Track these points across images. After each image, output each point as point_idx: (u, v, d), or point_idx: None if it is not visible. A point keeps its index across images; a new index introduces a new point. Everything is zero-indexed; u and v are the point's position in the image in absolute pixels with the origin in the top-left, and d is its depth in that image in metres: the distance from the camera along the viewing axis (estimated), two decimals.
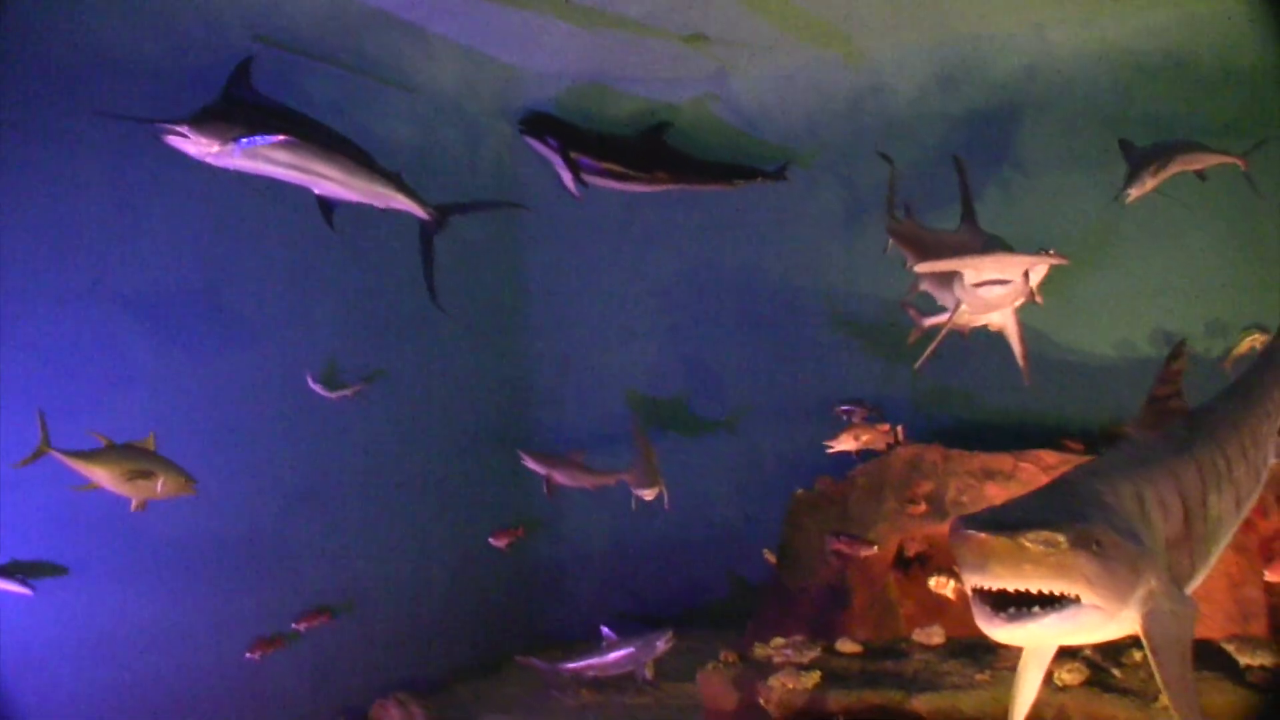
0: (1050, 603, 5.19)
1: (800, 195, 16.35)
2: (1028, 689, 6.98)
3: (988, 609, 5.27)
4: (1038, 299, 10.87)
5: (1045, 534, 5.04)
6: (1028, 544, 5.03)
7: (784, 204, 16.46)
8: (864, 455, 14.12)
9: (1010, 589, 5.18)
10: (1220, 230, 14.28)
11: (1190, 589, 6.28)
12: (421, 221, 11.93)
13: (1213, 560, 6.77)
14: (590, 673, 14.00)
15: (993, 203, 14.60)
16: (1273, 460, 8.00)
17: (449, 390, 15.88)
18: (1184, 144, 12.21)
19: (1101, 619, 5.36)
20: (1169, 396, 6.68)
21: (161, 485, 9.77)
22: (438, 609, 15.56)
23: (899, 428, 14.14)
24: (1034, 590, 5.17)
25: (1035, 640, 5.85)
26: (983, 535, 5.08)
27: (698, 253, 17.30)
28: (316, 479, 13.85)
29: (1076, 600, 5.18)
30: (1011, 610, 5.21)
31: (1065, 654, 9.53)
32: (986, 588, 5.22)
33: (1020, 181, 15.35)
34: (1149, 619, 5.66)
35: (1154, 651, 5.70)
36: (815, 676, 10.01)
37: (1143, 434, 6.57)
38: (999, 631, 5.29)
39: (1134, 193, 11.92)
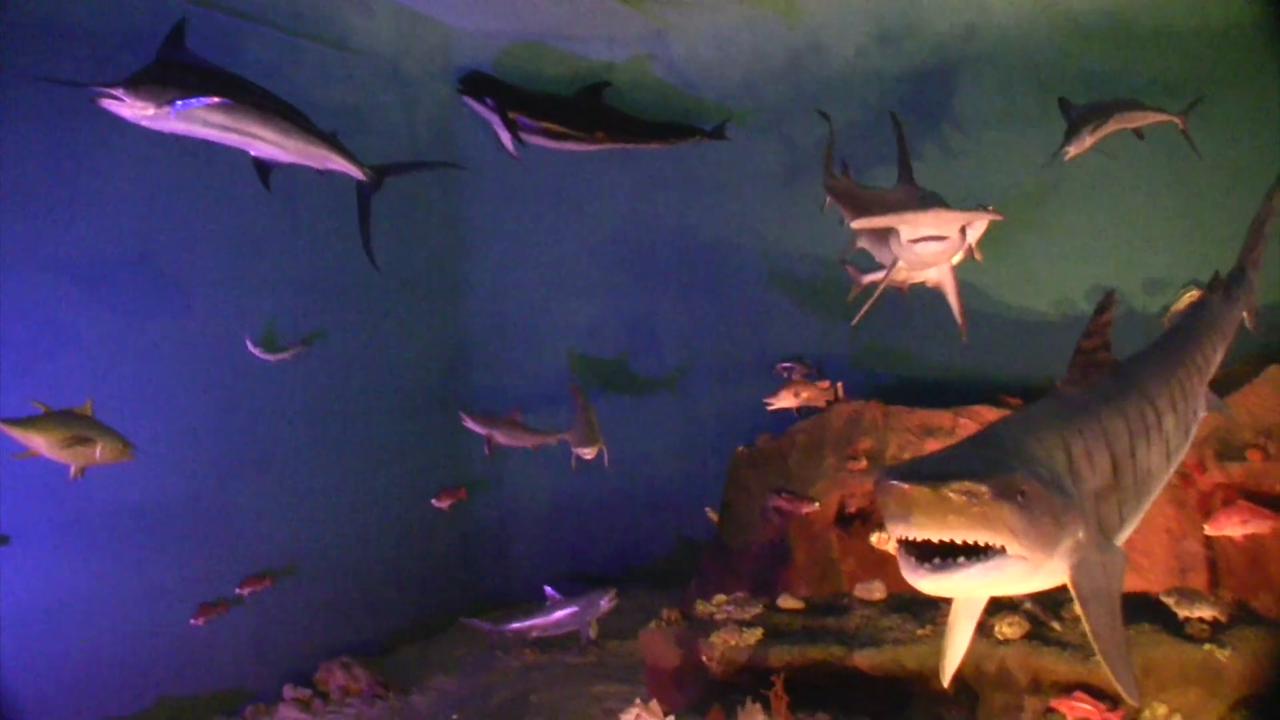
0: (975, 553, 5.16)
1: (739, 154, 16.32)
2: (959, 641, 6.96)
3: (912, 560, 5.24)
4: (977, 256, 10.92)
5: (968, 484, 5.01)
6: (950, 494, 5.00)
7: (722, 163, 16.43)
8: (804, 412, 14.16)
9: (935, 539, 5.17)
10: (1158, 188, 14.35)
11: (1120, 540, 6.30)
12: (358, 182, 11.87)
13: (1142, 512, 6.76)
14: (534, 633, 14.04)
15: (931, 161, 14.64)
16: (1203, 413, 8.04)
17: (388, 351, 15.83)
18: (1122, 102, 12.25)
19: (1028, 569, 5.34)
20: (1097, 349, 6.61)
21: (100, 451, 9.70)
22: (381, 571, 15.53)
23: (839, 385, 14.18)
24: (958, 541, 5.15)
25: (961, 590, 5.79)
26: (905, 486, 5.06)
27: (636, 212, 17.28)
28: (257, 443, 13.79)
29: (1001, 551, 5.15)
30: (936, 561, 5.19)
31: (1005, 608, 9.66)
32: (911, 538, 5.20)
33: (959, 140, 15.37)
34: (1077, 570, 5.67)
35: (1082, 602, 5.72)
36: (757, 633, 10.08)
37: (1070, 386, 6.52)
38: (924, 582, 5.26)
39: (1072, 150, 11.95)
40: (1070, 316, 14.35)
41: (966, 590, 5.80)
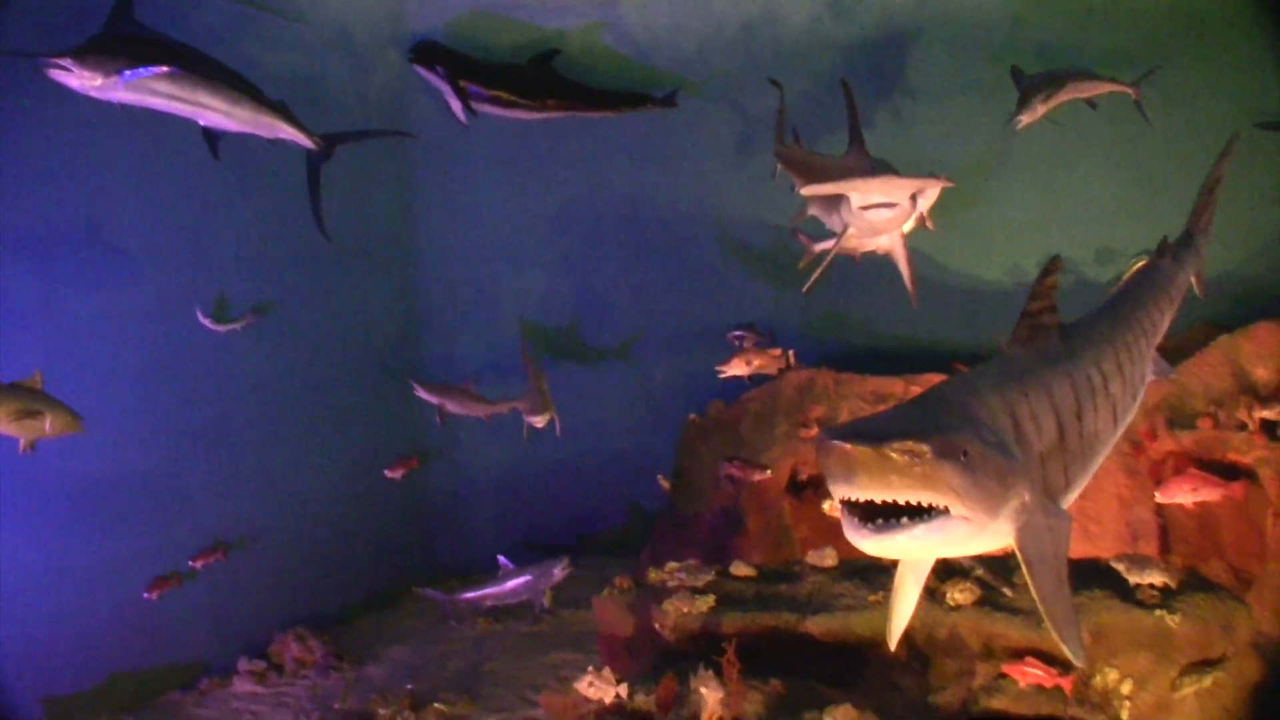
0: (918, 514, 5.12)
1: (691, 122, 16.31)
2: (905, 604, 6.94)
3: (855, 520, 5.19)
4: (929, 225, 10.91)
5: (910, 444, 4.96)
6: (892, 454, 4.95)
7: (675, 131, 16.41)
8: (756, 380, 14.19)
9: (878, 500, 5.11)
10: (1110, 158, 14.42)
11: (1066, 503, 6.29)
12: (308, 151, 11.82)
13: (1089, 475, 6.78)
14: (488, 602, 14.08)
15: (884, 129, 14.68)
16: (1151, 378, 8.05)
17: (340, 322, 15.80)
18: (1075, 72, 12.28)
19: (972, 531, 5.30)
20: (1042, 312, 6.54)
21: (49, 424, 9.60)
22: (335, 542, 15.52)
23: (790, 352, 14.18)
24: (901, 501, 5.09)
25: (904, 551, 5.66)
26: (847, 446, 4.98)
27: (588, 180, 17.25)
28: (208, 414, 13.76)
29: (945, 512, 5.11)
30: (879, 521, 5.14)
31: (957, 574, 9.69)
32: (854, 499, 5.14)
33: (911, 108, 15.41)
34: (1022, 532, 5.66)
35: (1028, 565, 5.71)
36: (709, 600, 10.08)
37: (1016, 349, 6.48)
38: (866, 543, 5.21)
39: (1024, 120, 11.97)
40: (1022, 285, 14.21)
41: (910, 551, 5.75)
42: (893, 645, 7.09)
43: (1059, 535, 5.88)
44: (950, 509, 5.09)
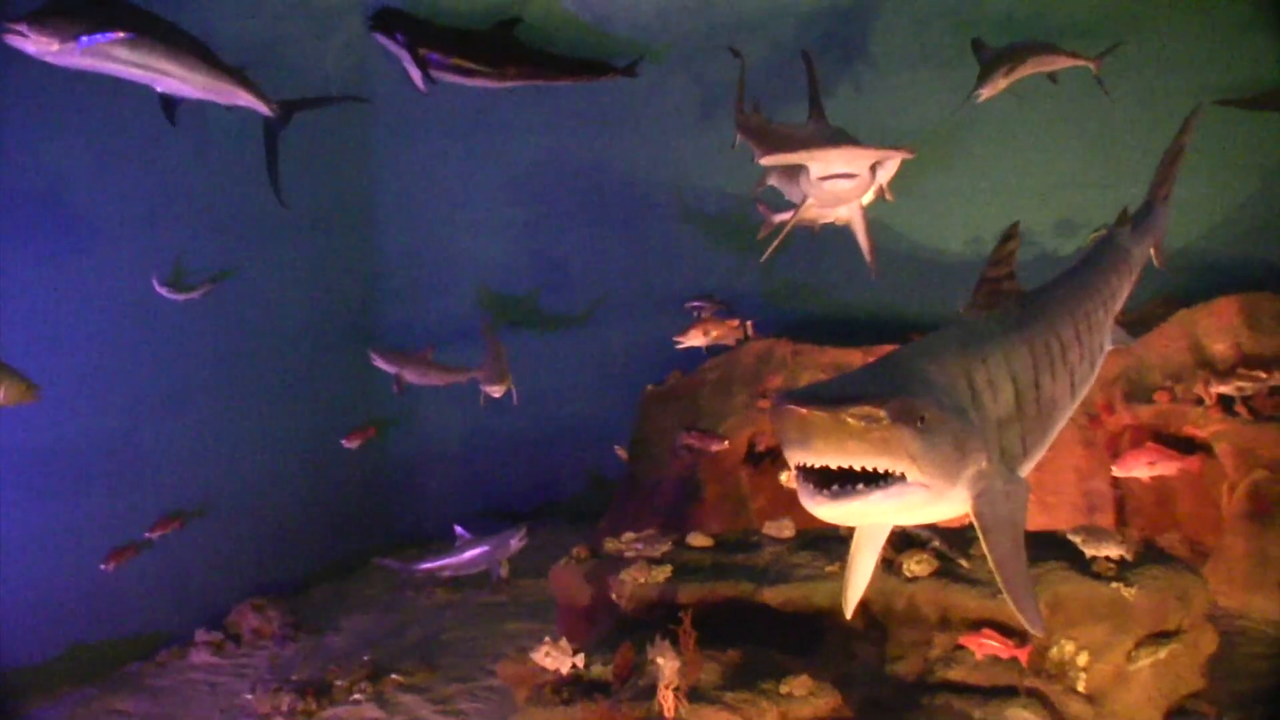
0: (875, 480, 5.06)
1: (651, 90, 16.22)
2: (861, 573, 6.90)
3: (811, 486, 5.12)
4: (889, 196, 10.90)
5: (866, 409, 4.90)
6: (849, 419, 4.89)
7: (635, 99, 16.34)
8: (714, 350, 14.21)
9: (834, 466, 5.05)
10: (1071, 131, 14.44)
11: (1024, 471, 6.24)
12: (265, 118, 11.73)
13: (1047, 443, 6.71)
14: (446, 572, 14.04)
15: (844, 99, 14.68)
16: (1109, 347, 8.03)
17: (299, 289, 15.74)
18: (1036, 45, 12.25)
19: (929, 497, 5.24)
20: (1002, 278, 6.46)
21: (4, 393, 9.51)
22: (293, 511, 15.52)
23: (748, 322, 14.18)
24: (858, 467, 5.04)
25: (860, 518, 5.69)
26: (803, 410, 4.93)
27: (549, 148, 17.19)
28: (166, 383, 13.68)
29: (902, 478, 5.04)
30: (835, 487, 5.07)
31: (914, 545, 9.70)
32: (810, 465, 5.08)
33: (873, 79, 15.40)
34: (979, 499, 5.60)
35: (984, 532, 5.66)
36: (666, 570, 10.09)
37: (974, 315, 6.43)
38: (823, 509, 5.11)
39: (985, 92, 11.94)
40: (981, 256, 14.26)
41: (866, 517, 5.72)
42: (849, 614, 7.04)
43: (1016, 503, 5.82)
44: (907, 475, 5.04)
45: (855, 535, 6.71)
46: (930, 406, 5.15)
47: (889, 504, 5.10)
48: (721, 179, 15.81)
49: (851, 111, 13.34)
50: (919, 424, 5.03)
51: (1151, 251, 9.13)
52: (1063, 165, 14.54)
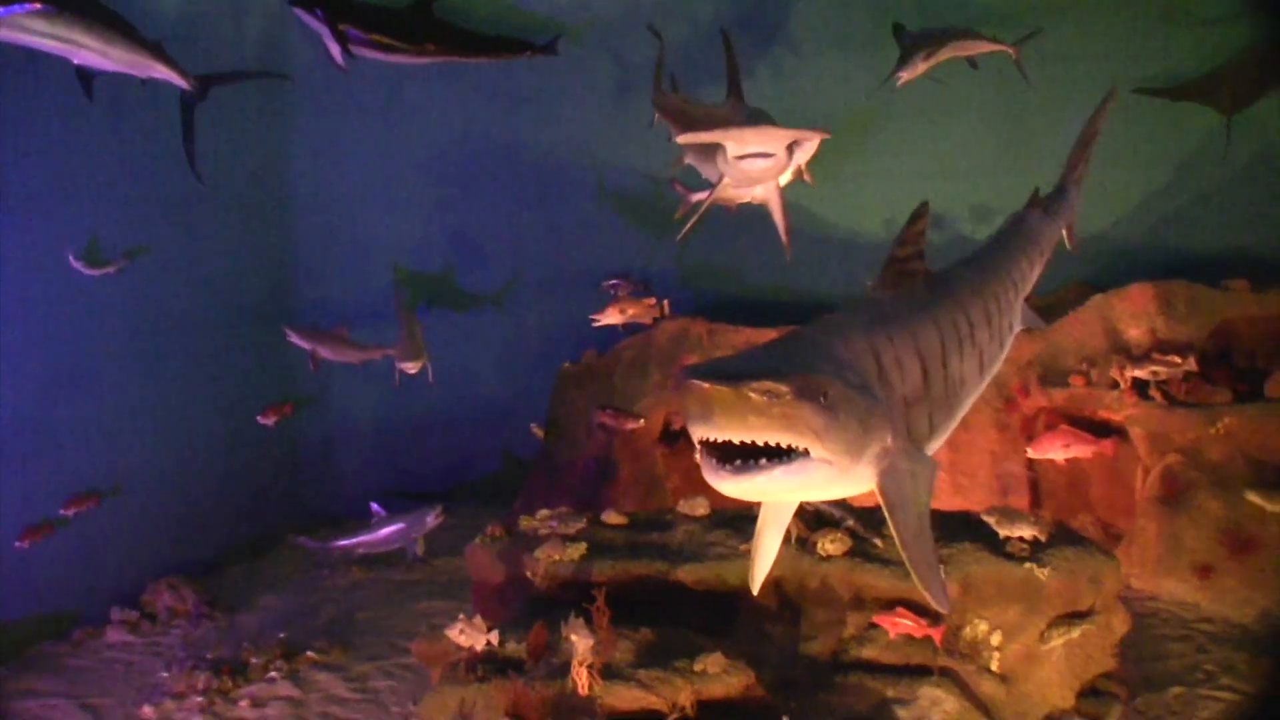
0: (778, 455, 4.98)
1: (570, 69, 16.05)
2: (767, 551, 6.80)
3: (714, 461, 5.05)
4: (807, 178, 10.93)
5: (768, 384, 4.85)
6: (751, 394, 4.84)
7: (553, 78, 16.22)
8: (630, 329, 14.18)
9: (736, 441, 4.99)
10: (990, 115, 14.52)
11: (931, 449, 6.28)
12: (182, 92, 11.61)
13: (955, 422, 6.74)
14: (360, 550, 13.99)
15: (764, 81, 14.67)
16: (1018, 327, 8.05)
17: (214, 266, 15.56)
18: (956, 30, 12.29)
19: (832, 474, 5.20)
20: (910, 258, 6.42)
21: None
22: (208, 490, 15.38)
23: (665, 302, 14.19)
24: (760, 442, 4.99)
25: (763, 494, 5.56)
26: (705, 385, 4.87)
27: (466, 126, 17.10)
28: (79, 360, 13.52)
29: (805, 454, 4.99)
30: (738, 462, 5.00)
31: (828, 525, 9.74)
32: (713, 440, 5.02)
33: (793, 61, 15.38)
34: (885, 476, 5.58)
35: (890, 509, 5.62)
36: (580, 548, 10.09)
37: (882, 293, 6.39)
38: (725, 484, 5.06)
39: (904, 76, 11.99)
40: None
41: (769, 494, 5.68)
42: (755, 590, 6.94)
43: (922, 480, 5.83)
44: (810, 451, 5.00)
45: (761, 512, 6.65)
46: (834, 383, 5.12)
47: (792, 480, 5.07)
48: (639, 158, 15.78)
49: (772, 92, 13.42)
50: (822, 400, 4.99)
51: (1064, 234, 9.18)
52: (981, 150, 14.63)
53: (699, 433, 5.04)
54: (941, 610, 6.00)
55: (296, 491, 17.26)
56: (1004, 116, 14.48)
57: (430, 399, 15.38)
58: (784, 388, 4.85)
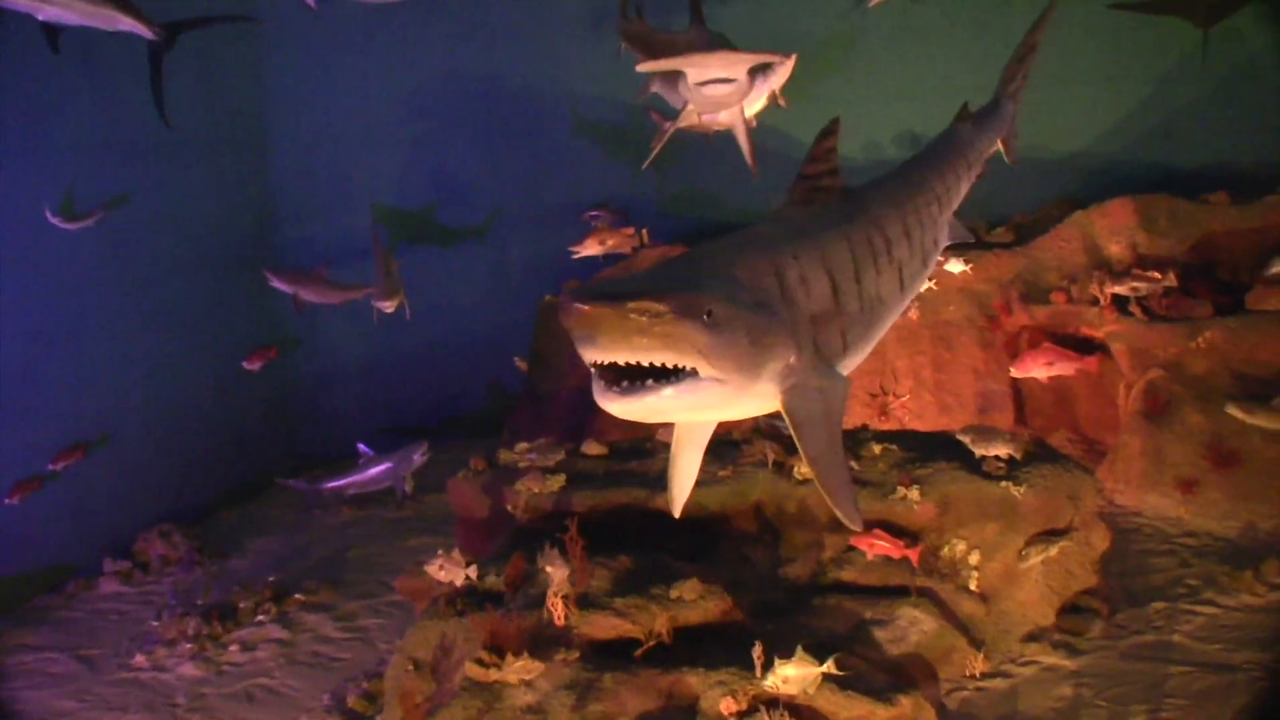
0: (666, 375, 4.96)
1: (544, 1, 16.08)
2: (684, 473, 6.65)
3: (604, 384, 5.04)
4: (782, 102, 10.86)
5: (646, 303, 4.79)
6: (631, 314, 4.78)
7: (528, 11, 16.16)
8: (610, 259, 14.17)
9: (622, 362, 4.98)
10: (967, 35, 14.41)
11: (847, 366, 6.19)
12: (149, 41, 11.53)
13: (873, 340, 6.60)
14: (350, 490, 14.03)
15: (738, 6, 14.56)
16: (945, 243, 7.92)
17: (194, 211, 15.55)
18: None
19: (728, 393, 5.16)
20: (821, 174, 6.30)
21: None
22: (198, 436, 15.44)
23: (644, 231, 14.17)
24: (645, 363, 4.95)
25: (657, 414, 5.33)
26: (586, 307, 4.82)
27: (441, 62, 16.96)
28: (62, 312, 13.56)
29: (693, 373, 4.96)
30: (625, 384, 4.98)
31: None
32: (602, 362, 5.01)
33: None
34: (790, 395, 5.53)
35: (795, 427, 5.55)
36: (560, 480, 10.16)
37: (792, 210, 6.30)
38: (614, 405, 5.03)
39: None
40: (877, 160, 14.36)
41: (662, 414, 5.43)
42: (676, 513, 6.73)
43: (832, 398, 5.77)
44: (699, 370, 4.97)
45: (675, 435, 6.52)
46: (719, 300, 5.05)
47: (684, 400, 5.03)
48: (616, 88, 15.63)
49: (745, 17, 13.31)
50: (706, 318, 4.92)
51: (1001, 148, 9.07)
52: (958, 69, 14.48)
53: (587, 356, 5.01)
54: (854, 528, 5.90)
55: (286, 435, 17.30)
56: (982, 35, 14.36)
57: (416, 336, 15.35)
58: (662, 306, 4.81)
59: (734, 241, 5.93)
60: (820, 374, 5.70)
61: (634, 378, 4.97)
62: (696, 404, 5.13)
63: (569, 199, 15.69)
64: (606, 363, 4.97)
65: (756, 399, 5.42)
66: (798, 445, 5.57)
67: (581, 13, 16.05)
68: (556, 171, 16.59)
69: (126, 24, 10.78)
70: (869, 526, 8.93)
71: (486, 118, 16.88)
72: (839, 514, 5.64)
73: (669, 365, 4.92)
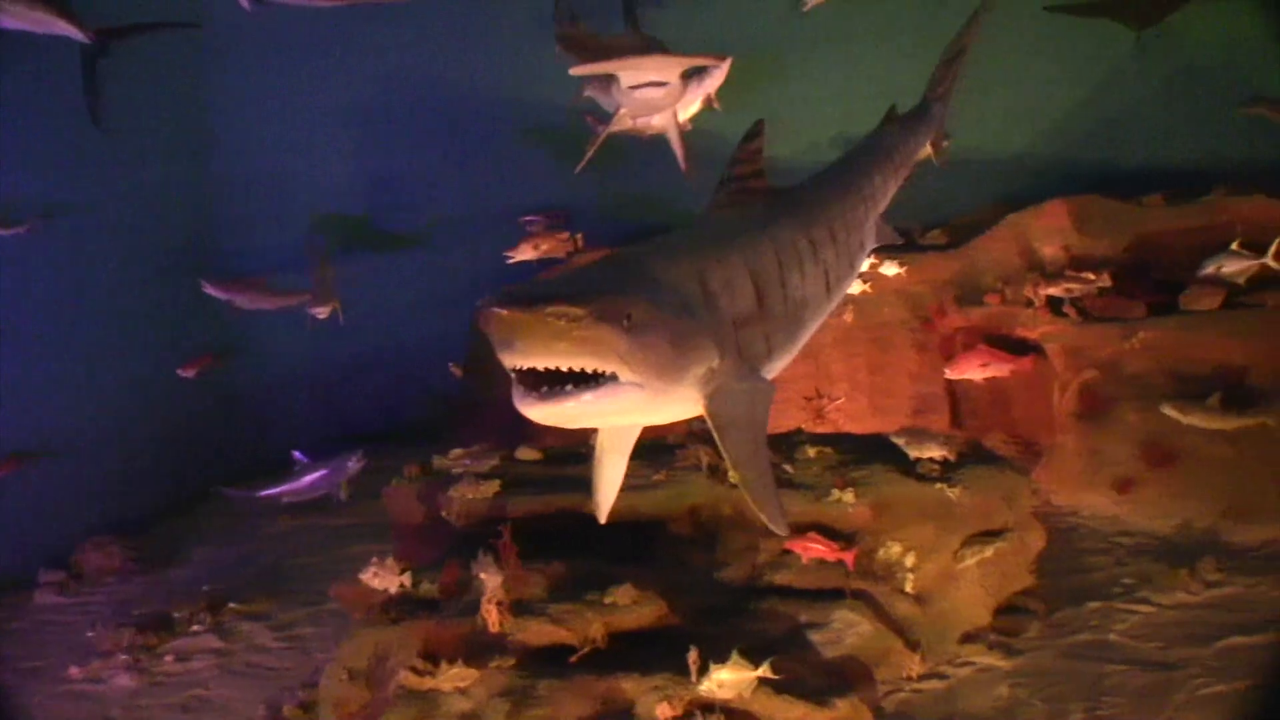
0: (585, 380, 4.92)
1: (484, 6, 16.05)
2: (608, 479, 6.70)
3: (523, 389, 5.01)
4: (716, 105, 10.88)
5: (565, 307, 4.77)
6: (549, 318, 4.75)
7: (467, 15, 16.10)
8: (545, 263, 14.15)
9: (542, 368, 4.93)
10: (902, 38, 14.45)
11: (772, 370, 6.19)
12: (82, 46, 11.44)
13: (798, 343, 6.61)
14: (285, 498, 13.93)
15: (674, 9, 14.56)
16: (872, 244, 7.92)
17: (133, 219, 15.32)
18: None
19: (648, 398, 5.13)
20: (746, 176, 6.33)
21: None
22: (138, 446, 15.29)
23: (579, 235, 14.18)
24: (564, 368, 4.90)
25: (577, 419, 5.28)
26: (504, 311, 4.77)
27: (383, 67, 16.84)
28: None
29: (613, 378, 4.94)
30: (545, 389, 4.94)
31: None
32: (520, 367, 4.95)
33: None
34: (713, 399, 5.52)
35: (719, 431, 5.55)
36: (495, 485, 10.13)
37: (716, 213, 6.39)
38: (533, 411, 5.01)
39: (811, 1, 11.95)
40: (813, 163, 14.23)
41: (583, 419, 5.40)
42: (601, 519, 6.81)
43: (756, 402, 5.78)
44: (619, 375, 4.95)
45: (598, 440, 6.56)
46: (639, 304, 5.04)
47: (604, 405, 5.00)
48: (555, 92, 15.64)
49: (681, 22, 13.31)
50: (625, 322, 4.91)
51: (930, 150, 9.09)
52: (895, 72, 14.52)
53: (506, 361, 4.97)
54: (779, 532, 5.85)
55: (228, 444, 17.10)
56: (920, 39, 14.39)
57: (357, 344, 15.38)
58: (581, 310, 4.79)
59: (657, 245, 5.95)
60: (744, 378, 5.71)
61: (554, 383, 4.92)
62: (617, 409, 5.12)
63: (509, 204, 15.68)
64: (526, 368, 4.92)
65: (679, 403, 5.43)
66: (721, 450, 5.56)
67: (520, 16, 16.02)
68: (496, 177, 16.56)
69: (61, 28, 10.71)
70: (804, 529, 8.96)
71: (426, 124, 16.82)
72: (763, 518, 5.64)
73: (589, 370, 4.89)
